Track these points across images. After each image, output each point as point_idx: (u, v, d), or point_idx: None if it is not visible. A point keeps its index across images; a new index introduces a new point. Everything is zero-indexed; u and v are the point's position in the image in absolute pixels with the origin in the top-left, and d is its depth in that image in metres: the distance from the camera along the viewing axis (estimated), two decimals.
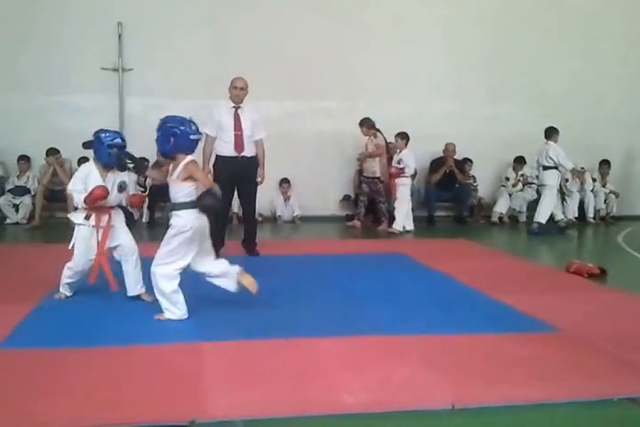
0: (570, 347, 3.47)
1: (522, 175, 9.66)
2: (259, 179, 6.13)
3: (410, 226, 8.37)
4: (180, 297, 3.89)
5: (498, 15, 9.68)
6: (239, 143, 5.93)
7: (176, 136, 3.79)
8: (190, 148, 3.86)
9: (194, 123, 3.89)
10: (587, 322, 3.99)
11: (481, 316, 4.09)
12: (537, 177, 8.83)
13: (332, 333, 3.63)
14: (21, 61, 8.66)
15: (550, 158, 8.17)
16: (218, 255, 5.84)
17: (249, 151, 5.98)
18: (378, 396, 2.79)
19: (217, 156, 6.05)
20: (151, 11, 8.83)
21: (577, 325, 3.88)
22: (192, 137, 3.84)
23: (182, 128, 3.80)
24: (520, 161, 9.64)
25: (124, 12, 8.77)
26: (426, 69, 9.48)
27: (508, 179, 9.69)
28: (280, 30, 8.97)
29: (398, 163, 8.46)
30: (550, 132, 8.28)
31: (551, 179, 8.27)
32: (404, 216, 8.29)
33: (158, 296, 3.91)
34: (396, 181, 8.44)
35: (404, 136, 8.51)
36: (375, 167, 8.44)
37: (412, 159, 8.45)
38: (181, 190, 3.85)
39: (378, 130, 8.48)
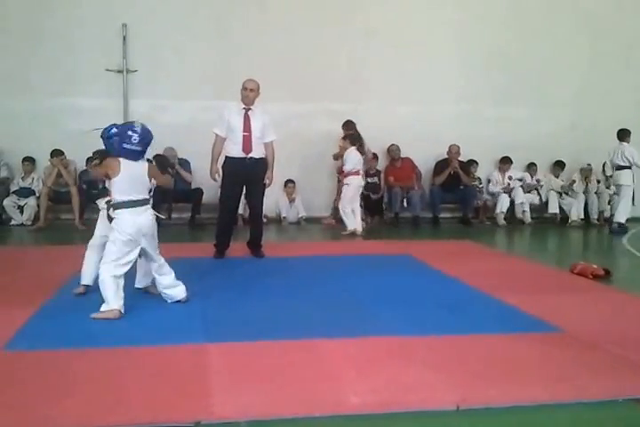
0: (574, 348, 3.47)
1: (509, 177, 9.65)
2: (266, 181, 6.10)
3: (355, 226, 8.05)
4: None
5: (505, 17, 9.67)
6: (247, 144, 5.92)
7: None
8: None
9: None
10: (591, 323, 3.98)
11: (486, 316, 4.09)
12: (610, 177, 9.14)
13: (337, 334, 3.63)
14: (26, 64, 8.69)
15: (626, 158, 8.51)
16: (223, 255, 5.83)
17: (257, 153, 5.97)
18: (383, 397, 2.79)
19: (225, 156, 6.06)
20: (156, 12, 8.85)
21: (581, 325, 3.88)
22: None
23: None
24: (506, 162, 9.66)
25: (128, 13, 8.80)
26: (432, 71, 9.47)
27: (489, 181, 9.70)
28: (286, 32, 8.98)
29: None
30: (624, 134, 8.63)
31: (626, 178, 8.61)
32: (350, 216, 8.11)
33: None
34: (344, 180, 8.40)
35: (347, 137, 8.44)
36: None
37: (353, 158, 8.18)
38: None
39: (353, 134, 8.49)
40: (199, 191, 8.68)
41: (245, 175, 5.96)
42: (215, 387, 2.87)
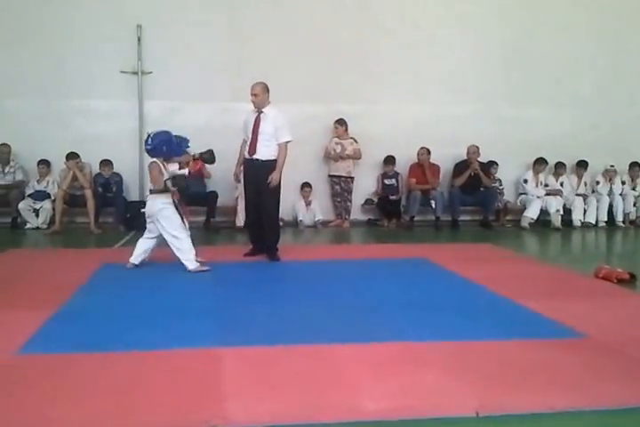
0: (596, 354, 3.38)
1: (540, 183, 9.47)
2: (269, 180, 6.00)
3: None
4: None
5: (520, 14, 9.53)
6: (252, 146, 6.07)
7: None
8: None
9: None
10: (615, 328, 3.88)
11: (506, 322, 4.01)
12: None
13: (353, 339, 3.59)
14: (41, 66, 8.73)
15: None
16: (253, 255, 6.33)
17: (263, 155, 6.04)
18: (400, 403, 2.74)
19: (243, 158, 6.32)
20: (170, 14, 8.85)
21: (605, 331, 3.79)
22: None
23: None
24: (541, 163, 9.44)
25: (143, 14, 8.81)
26: (446, 71, 9.36)
27: (526, 181, 9.47)
28: (298, 33, 8.95)
29: None
30: None
31: None
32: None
33: None
34: None
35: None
36: (350, 167, 9.12)
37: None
38: None
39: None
40: (214, 194, 8.65)
41: (254, 176, 6.12)
42: (229, 392, 2.84)
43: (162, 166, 5.51)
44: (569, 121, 9.60)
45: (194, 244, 5.54)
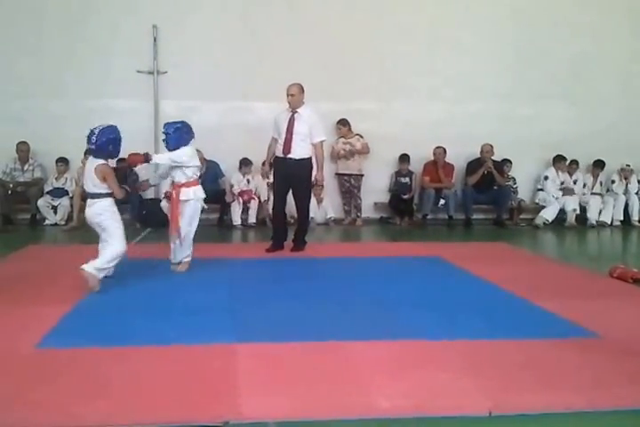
0: (612, 354, 3.36)
1: (562, 183, 9.42)
2: (314, 180, 6.41)
3: None
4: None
5: (537, 13, 9.47)
6: (287, 145, 6.18)
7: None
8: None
9: None
10: (630, 328, 3.87)
11: (520, 321, 4.00)
12: None
13: (367, 336, 3.60)
14: (59, 66, 8.81)
15: None
16: (273, 250, 6.46)
17: (298, 154, 6.18)
18: (414, 401, 2.75)
19: (275, 156, 6.39)
20: (186, 13, 8.90)
21: (619, 331, 3.77)
22: None
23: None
24: (561, 159, 9.38)
25: (159, 15, 8.87)
26: (463, 69, 9.33)
27: (547, 178, 9.38)
28: (315, 32, 8.94)
29: None
30: None
31: None
32: None
33: None
34: None
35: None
36: (361, 165, 9.19)
37: None
38: None
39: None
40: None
41: (287, 175, 6.24)
42: (244, 387, 2.86)
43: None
44: (584, 120, 9.53)
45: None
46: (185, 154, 5.28)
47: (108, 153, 4.76)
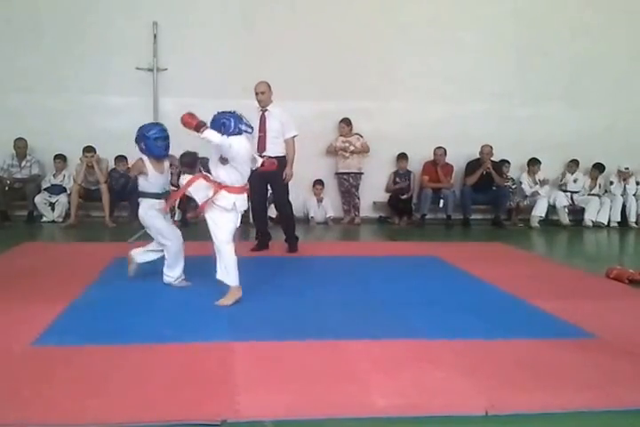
0: (608, 354, 3.37)
1: (539, 180, 9.43)
2: (284, 176, 6.23)
3: None
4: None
5: (537, 14, 9.48)
6: (261, 144, 6.14)
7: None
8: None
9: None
10: (627, 329, 3.87)
11: (516, 321, 4.01)
12: None
13: (364, 335, 3.60)
14: (58, 62, 8.79)
15: None
16: (258, 250, 6.36)
17: (272, 151, 6.11)
18: (410, 400, 2.75)
19: None
20: (186, 11, 8.89)
21: (615, 332, 3.78)
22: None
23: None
24: (534, 163, 9.42)
25: (159, 12, 8.86)
26: (463, 70, 9.34)
27: (521, 183, 9.47)
28: (315, 30, 8.94)
29: None
30: None
31: None
32: None
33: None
34: None
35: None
36: (361, 164, 9.21)
37: None
38: None
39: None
40: None
41: (263, 173, 6.06)
42: (241, 386, 2.85)
43: None
44: (583, 121, 9.54)
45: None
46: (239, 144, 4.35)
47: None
